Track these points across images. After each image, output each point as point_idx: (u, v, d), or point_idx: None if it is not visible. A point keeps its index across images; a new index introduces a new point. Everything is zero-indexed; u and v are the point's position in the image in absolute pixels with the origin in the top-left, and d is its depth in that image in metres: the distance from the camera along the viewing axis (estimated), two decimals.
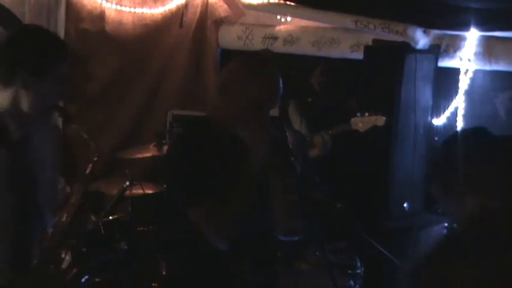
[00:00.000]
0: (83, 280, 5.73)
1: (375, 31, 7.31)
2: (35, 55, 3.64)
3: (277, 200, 3.93)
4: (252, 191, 3.75)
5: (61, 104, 3.93)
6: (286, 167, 3.86)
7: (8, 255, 3.73)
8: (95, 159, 3.98)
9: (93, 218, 6.45)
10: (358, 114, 6.81)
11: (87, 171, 3.98)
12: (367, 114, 6.77)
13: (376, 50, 7.24)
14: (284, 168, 3.83)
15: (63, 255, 4.04)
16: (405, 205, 7.23)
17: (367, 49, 7.29)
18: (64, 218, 3.92)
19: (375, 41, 7.28)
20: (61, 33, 7.36)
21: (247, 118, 3.76)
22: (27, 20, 7.04)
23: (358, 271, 6.03)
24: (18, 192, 3.72)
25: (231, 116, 3.82)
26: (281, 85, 3.80)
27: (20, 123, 3.69)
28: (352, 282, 5.86)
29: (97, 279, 6.13)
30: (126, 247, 6.48)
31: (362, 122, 6.76)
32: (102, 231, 6.38)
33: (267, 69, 3.86)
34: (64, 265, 4.05)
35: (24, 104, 3.63)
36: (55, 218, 3.95)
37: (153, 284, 6.33)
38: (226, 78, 3.85)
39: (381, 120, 6.72)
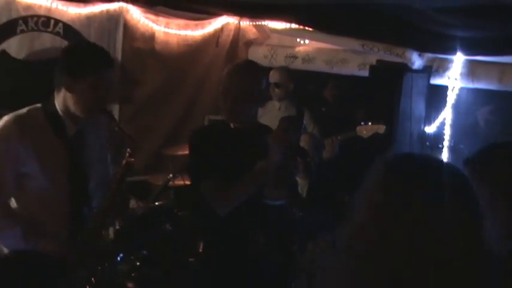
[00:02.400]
0: (119, 258, 5.84)
1: (378, 53, 7.63)
2: (76, 62, 3.72)
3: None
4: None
5: (105, 105, 3.90)
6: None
7: (64, 233, 3.79)
8: (129, 153, 3.87)
9: (141, 204, 6.79)
10: (363, 123, 7.07)
11: (124, 163, 3.88)
12: (370, 123, 7.04)
13: (379, 69, 7.53)
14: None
15: (108, 233, 4.19)
16: None
17: (372, 68, 7.59)
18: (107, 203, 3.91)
19: (378, 61, 7.61)
20: (119, 51, 7.83)
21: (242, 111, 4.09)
22: (92, 39, 7.37)
23: None
24: (73, 180, 3.79)
25: (229, 112, 4.13)
26: (259, 76, 4.20)
27: (73, 121, 3.77)
28: None
29: (133, 256, 6.14)
30: (170, 228, 6.62)
31: (366, 130, 7.02)
32: (150, 215, 6.58)
33: (244, 68, 4.24)
34: (106, 242, 4.15)
35: (71, 105, 3.72)
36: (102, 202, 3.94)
37: (190, 259, 6.33)
38: (221, 86, 4.22)
39: (381, 129, 7.00)
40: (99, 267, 3.92)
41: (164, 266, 6.32)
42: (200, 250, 5.96)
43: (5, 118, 3.72)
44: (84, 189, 3.88)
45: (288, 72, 7.15)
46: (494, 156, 2.84)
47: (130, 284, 5.91)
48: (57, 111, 3.75)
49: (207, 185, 3.99)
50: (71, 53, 3.85)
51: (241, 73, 4.17)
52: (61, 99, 3.74)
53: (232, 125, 4.17)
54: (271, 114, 6.76)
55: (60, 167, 3.74)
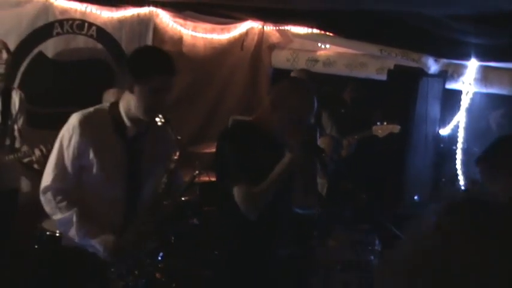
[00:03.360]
0: (159, 257, 5.78)
1: (396, 58, 7.71)
2: (140, 65, 3.77)
3: (296, 181, 4.17)
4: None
5: (162, 108, 3.83)
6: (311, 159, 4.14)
7: (117, 226, 3.89)
8: (178, 154, 3.90)
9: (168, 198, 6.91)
10: (378, 123, 7.10)
11: (174, 164, 3.91)
12: (385, 123, 7.06)
13: (397, 73, 7.56)
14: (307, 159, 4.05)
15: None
16: (415, 197, 7.65)
17: (390, 72, 7.62)
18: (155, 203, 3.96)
19: (396, 66, 7.64)
20: None
21: (289, 128, 3.99)
22: (123, 42, 7.63)
23: (377, 248, 6.00)
24: (129, 178, 3.91)
25: (276, 124, 4.04)
26: (315, 102, 4.10)
27: (135, 123, 3.85)
28: (372, 257, 5.86)
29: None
30: (197, 222, 6.76)
31: (381, 129, 7.05)
32: (177, 210, 6.49)
33: (305, 90, 4.15)
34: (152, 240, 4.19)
35: (132, 107, 3.78)
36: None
37: (215, 252, 6.19)
38: (275, 97, 4.10)
39: (396, 128, 7.02)
40: (142, 264, 4.04)
41: (190, 258, 6.38)
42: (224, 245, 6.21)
43: (74, 115, 3.86)
44: (138, 188, 3.98)
45: (308, 74, 7.13)
46: (503, 148, 2.99)
47: (157, 275, 5.97)
48: (121, 113, 3.85)
49: (238, 190, 3.95)
50: (136, 56, 3.95)
51: (308, 93, 4.15)
52: (125, 102, 3.84)
53: (264, 131, 4.15)
54: None
55: (117, 164, 3.88)
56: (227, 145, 4.10)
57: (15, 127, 5.96)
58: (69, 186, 3.87)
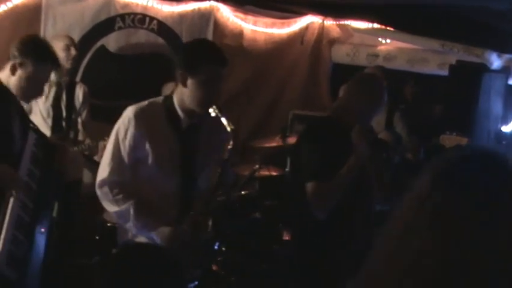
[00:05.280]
0: (216, 246, 5.79)
1: (458, 53, 7.60)
2: (191, 58, 3.78)
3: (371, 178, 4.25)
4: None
5: (215, 99, 3.85)
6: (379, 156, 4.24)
7: (172, 217, 3.89)
8: (232, 144, 3.91)
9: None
10: (448, 132, 6.79)
11: (228, 154, 3.93)
12: (454, 134, 6.76)
13: (459, 69, 7.48)
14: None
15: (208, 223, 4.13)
16: None
17: (452, 67, 7.53)
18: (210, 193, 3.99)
19: (458, 61, 7.57)
20: None
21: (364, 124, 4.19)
22: (184, 36, 7.65)
23: None
24: (183, 169, 3.89)
25: (353, 120, 4.17)
26: (385, 100, 4.34)
27: (188, 115, 3.87)
28: None
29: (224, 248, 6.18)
30: (259, 216, 6.75)
31: (449, 140, 6.74)
32: (237, 204, 6.64)
33: (380, 90, 4.33)
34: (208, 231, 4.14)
35: (185, 99, 3.81)
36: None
37: (274, 246, 6.39)
38: (351, 93, 4.34)
39: (464, 141, 6.68)
40: (199, 254, 4.06)
41: (250, 253, 6.41)
42: (285, 237, 6.34)
43: (129, 108, 3.90)
44: (193, 179, 3.97)
45: (382, 71, 7.03)
46: None
47: (215, 267, 5.99)
48: (174, 106, 3.87)
49: (311, 187, 4.03)
50: (188, 49, 4.00)
51: (382, 93, 4.34)
52: (178, 94, 3.86)
53: (343, 126, 4.20)
54: None
55: (172, 155, 3.89)
56: (307, 142, 4.22)
57: (79, 120, 6.13)
58: (126, 179, 3.87)
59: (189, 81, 3.75)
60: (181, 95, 3.83)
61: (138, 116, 3.82)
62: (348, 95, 4.43)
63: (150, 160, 3.83)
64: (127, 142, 3.82)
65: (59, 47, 5.80)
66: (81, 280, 5.84)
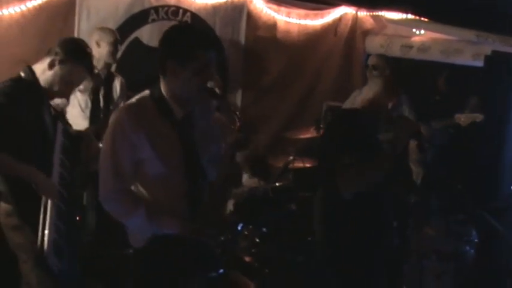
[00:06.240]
0: (239, 227, 6.03)
1: (493, 44, 7.45)
2: (179, 46, 3.55)
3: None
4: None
5: (209, 86, 3.75)
6: None
7: (184, 210, 3.76)
8: (238, 128, 3.96)
9: (262, 183, 6.93)
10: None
11: (231, 141, 3.93)
12: (467, 111, 6.94)
13: (494, 60, 7.35)
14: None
15: (227, 205, 4.24)
16: None
17: (487, 58, 7.41)
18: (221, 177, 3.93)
19: (493, 51, 7.42)
20: (242, 39, 8.03)
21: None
22: (217, 28, 7.69)
23: (473, 239, 5.99)
24: (186, 160, 3.74)
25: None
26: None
27: (180, 105, 3.69)
28: (467, 247, 5.88)
29: (264, 230, 6.23)
30: (294, 208, 6.71)
31: (464, 118, 6.84)
32: (271, 194, 6.62)
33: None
34: (226, 214, 4.25)
35: (177, 90, 3.63)
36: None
37: (309, 238, 6.16)
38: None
39: (479, 118, 6.80)
40: (222, 237, 3.95)
41: (284, 245, 6.36)
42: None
43: (118, 109, 3.79)
44: (198, 168, 3.82)
45: (386, 58, 7.08)
46: None
47: (248, 258, 5.99)
48: (164, 97, 3.68)
49: (339, 168, 4.08)
50: (174, 39, 3.66)
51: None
52: (167, 85, 3.67)
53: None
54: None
55: (173, 150, 3.71)
56: (337, 133, 4.29)
57: None
58: (129, 184, 3.75)
59: (182, 71, 3.55)
60: (172, 85, 3.64)
61: (131, 116, 3.63)
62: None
63: (153, 157, 3.66)
64: (124, 144, 3.64)
65: (106, 41, 5.88)
66: (117, 270, 5.80)
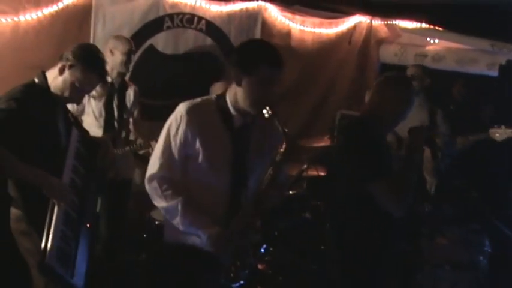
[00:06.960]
0: (263, 249, 5.94)
1: (508, 53, 7.51)
2: (247, 58, 3.69)
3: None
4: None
5: (269, 100, 3.76)
6: None
7: (220, 217, 3.83)
8: (284, 147, 3.81)
9: (274, 192, 6.90)
10: (496, 125, 6.75)
11: (280, 157, 3.84)
12: (503, 126, 6.71)
13: (509, 69, 7.40)
14: None
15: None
16: None
17: (502, 68, 7.48)
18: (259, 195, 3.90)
19: (508, 61, 7.49)
20: None
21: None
22: (232, 36, 7.66)
23: (487, 249, 5.90)
24: (234, 169, 3.84)
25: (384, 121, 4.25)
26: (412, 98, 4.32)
27: (241, 115, 3.80)
28: (481, 257, 5.80)
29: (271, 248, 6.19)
30: (308, 216, 6.74)
31: (499, 133, 6.70)
32: (285, 204, 6.57)
33: (410, 92, 4.33)
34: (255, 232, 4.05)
35: (238, 98, 3.74)
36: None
37: (322, 247, 6.20)
38: (381, 93, 4.30)
39: None
40: (245, 255, 4.01)
41: (298, 253, 6.38)
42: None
43: (181, 104, 3.85)
44: (244, 178, 3.91)
45: (424, 69, 6.99)
46: None
47: (261, 266, 5.98)
48: (227, 104, 3.81)
49: (381, 185, 4.03)
50: (244, 49, 3.89)
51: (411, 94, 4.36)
52: (232, 94, 3.80)
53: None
54: None
55: (222, 155, 3.84)
56: (364, 142, 4.14)
57: (131, 120, 6.16)
58: (175, 175, 3.85)
59: (244, 81, 3.69)
60: (235, 94, 3.78)
61: (191, 112, 3.78)
62: (379, 97, 4.33)
63: (200, 157, 3.79)
64: (178, 138, 3.79)
65: (119, 50, 5.84)
66: (129, 276, 5.86)
